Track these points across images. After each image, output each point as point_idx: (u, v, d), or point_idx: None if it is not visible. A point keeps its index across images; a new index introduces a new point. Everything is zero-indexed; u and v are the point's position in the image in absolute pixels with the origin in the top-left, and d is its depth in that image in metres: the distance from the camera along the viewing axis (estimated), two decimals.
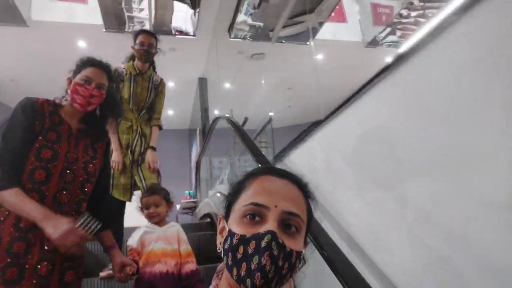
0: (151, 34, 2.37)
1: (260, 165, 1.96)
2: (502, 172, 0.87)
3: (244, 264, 0.53)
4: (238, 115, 4.83)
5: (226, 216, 0.62)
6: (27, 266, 1.14)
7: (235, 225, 0.57)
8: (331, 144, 1.59)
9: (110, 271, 1.95)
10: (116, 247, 1.45)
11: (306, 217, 0.59)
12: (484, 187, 0.91)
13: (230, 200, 0.62)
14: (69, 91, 1.32)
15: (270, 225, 0.54)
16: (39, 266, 1.15)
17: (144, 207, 1.78)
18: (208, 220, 3.11)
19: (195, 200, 6.10)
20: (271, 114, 4.77)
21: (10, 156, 1.18)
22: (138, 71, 2.38)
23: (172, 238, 1.73)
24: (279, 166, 2.36)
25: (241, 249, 0.54)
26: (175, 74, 6.62)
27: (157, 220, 1.76)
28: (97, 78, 1.32)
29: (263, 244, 0.52)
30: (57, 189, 1.22)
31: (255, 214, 0.56)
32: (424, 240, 1.06)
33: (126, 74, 2.38)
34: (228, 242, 0.56)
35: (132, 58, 2.42)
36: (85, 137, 1.37)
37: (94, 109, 1.36)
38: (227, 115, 2.88)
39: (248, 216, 0.56)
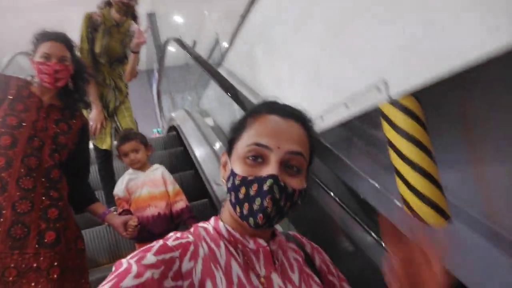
0: None
1: (210, 73, 2.50)
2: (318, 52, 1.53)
3: (246, 204, 0.56)
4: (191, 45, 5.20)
5: (229, 152, 0.64)
6: (4, 204, 1.17)
7: (238, 165, 0.59)
8: (249, 36, 2.21)
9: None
10: (110, 211, 1.50)
11: (308, 153, 0.61)
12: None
13: (233, 137, 0.64)
14: (35, 72, 1.32)
15: (272, 168, 0.56)
16: (12, 229, 1.17)
17: (122, 155, 1.76)
18: (174, 133, 3.75)
19: (163, 136, 6.67)
20: (224, 44, 5.09)
21: None
22: (114, 23, 2.22)
23: (158, 181, 1.74)
24: (221, 69, 2.95)
25: (243, 189, 0.57)
26: None
27: (139, 166, 1.75)
28: (56, 52, 1.30)
29: (265, 187, 0.55)
30: (25, 154, 1.23)
31: (258, 155, 0.58)
32: (301, 82, 1.76)
33: (101, 24, 2.20)
34: (231, 181, 0.59)
35: (109, 4, 2.22)
36: (57, 112, 1.36)
37: (65, 83, 1.36)
38: (177, 37, 3.32)
39: (250, 157, 0.58)
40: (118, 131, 2.32)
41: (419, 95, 1.17)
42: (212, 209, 2.46)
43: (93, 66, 2.20)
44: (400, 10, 1.15)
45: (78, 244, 1.33)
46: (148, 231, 1.63)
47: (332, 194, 1.29)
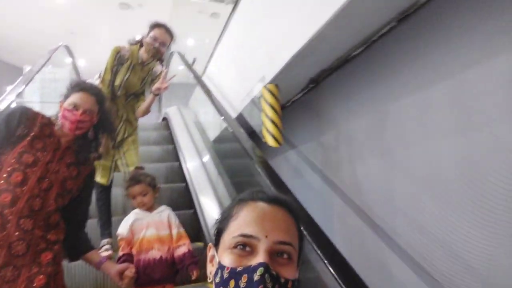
0: (168, 32, 2.33)
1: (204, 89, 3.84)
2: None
3: None
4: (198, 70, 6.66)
5: (216, 244, 0.64)
6: (0, 243, 1.18)
7: (225, 257, 0.58)
8: (219, 54, 3.59)
9: (110, 252, 2.13)
10: (106, 259, 1.52)
11: (298, 242, 0.61)
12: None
13: (220, 227, 0.64)
14: (59, 115, 1.40)
15: (261, 256, 0.55)
16: (3, 270, 1.17)
17: (130, 197, 1.82)
18: (165, 121, 5.09)
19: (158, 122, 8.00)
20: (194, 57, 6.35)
21: None
22: (140, 61, 2.36)
23: (163, 223, 1.79)
24: (204, 77, 4.30)
25: (232, 283, 0.55)
26: (140, 31, 8.34)
27: (146, 208, 1.82)
28: (84, 104, 1.38)
29: (255, 277, 0.53)
30: (32, 194, 1.26)
31: (246, 245, 0.57)
32: (232, 77, 3.08)
33: (127, 59, 2.33)
34: (219, 275, 0.57)
35: (140, 43, 2.38)
36: (72, 155, 1.41)
37: (84, 132, 1.43)
38: (178, 51, 4.70)
39: (238, 247, 0.57)
40: (118, 165, 2.38)
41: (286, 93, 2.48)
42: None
43: (110, 96, 2.32)
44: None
45: None
46: (149, 274, 1.67)
47: None
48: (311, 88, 2.75)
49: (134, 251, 1.71)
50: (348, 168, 2.44)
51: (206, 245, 2.30)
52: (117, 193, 2.67)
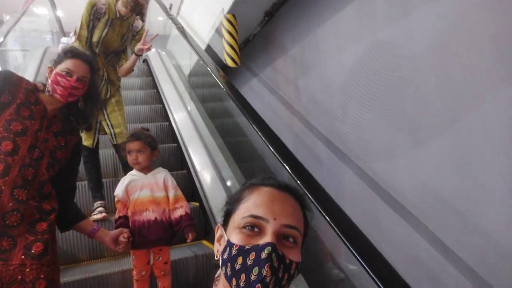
0: None
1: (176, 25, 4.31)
2: None
3: (243, 275, 0.58)
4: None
5: (225, 225, 0.68)
6: None
7: (234, 236, 0.62)
8: None
9: (104, 214, 2.16)
10: (98, 228, 1.51)
11: (303, 227, 0.66)
12: None
13: (229, 209, 0.68)
14: (49, 80, 1.36)
15: (269, 237, 0.59)
16: (7, 216, 1.17)
17: (127, 152, 1.81)
18: (145, 63, 5.60)
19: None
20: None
21: None
22: (118, 15, 2.24)
23: (159, 185, 1.78)
24: (179, 18, 4.77)
25: (240, 259, 0.59)
26: None
27: (139, 167, 1.81)
28: (79, 71, 1.36)
29: (263, 255, 0.57)
30: (23, 163, 1.24)
31: (254, 225, 0.61)
32: (200, 13, 3.62)
33: (104, 13, 2.20)
34: (227, 252, 0.61)
35: None
36: (58, 124, 1.38)
37: (75, 100, 1.40)
38: None
39: (247, 227, 0.61)
40: (104, 126, 2.35)
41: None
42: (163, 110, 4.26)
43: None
44: None
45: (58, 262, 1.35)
46: (144, 236, 1.69)
47: None
48: (267, 21, 3.30)
49: (129, 213, 1.74)
50: (292, 84, 3.08)
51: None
52: (107, 154, 2.64)
